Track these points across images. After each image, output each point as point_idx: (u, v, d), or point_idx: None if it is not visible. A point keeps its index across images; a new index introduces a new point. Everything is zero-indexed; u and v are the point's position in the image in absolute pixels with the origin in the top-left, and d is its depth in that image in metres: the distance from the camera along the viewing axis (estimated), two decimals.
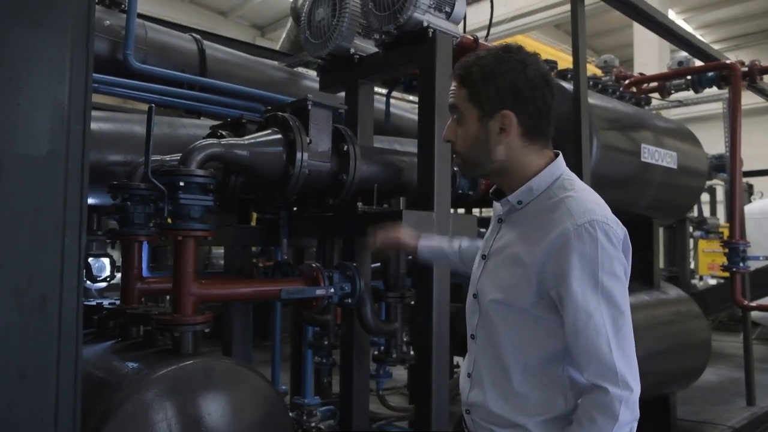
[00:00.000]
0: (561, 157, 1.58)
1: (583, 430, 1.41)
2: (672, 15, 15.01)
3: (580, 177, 3.55)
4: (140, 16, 3.90)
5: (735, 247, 5.17)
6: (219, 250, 7.47)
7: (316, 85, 3.84)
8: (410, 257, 3.43)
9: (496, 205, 1.68)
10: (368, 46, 3.33)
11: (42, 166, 1.40)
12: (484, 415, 1.57)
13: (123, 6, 3.83)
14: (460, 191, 3.49)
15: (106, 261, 3.95)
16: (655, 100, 6.31)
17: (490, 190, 1.70)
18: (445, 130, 1.62)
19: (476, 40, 3.54)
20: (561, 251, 1.40)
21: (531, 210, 1.54)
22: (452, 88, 1.58)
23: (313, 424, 3.43)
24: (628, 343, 1.42)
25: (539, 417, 1.50)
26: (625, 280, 1.46)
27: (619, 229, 1.45)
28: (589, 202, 1.47)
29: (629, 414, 1.38)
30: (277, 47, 6.18)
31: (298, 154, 2.68)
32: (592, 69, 6.06)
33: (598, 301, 1.39)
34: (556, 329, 1.47)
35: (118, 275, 2.97)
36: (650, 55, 12.05)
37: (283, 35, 6.15)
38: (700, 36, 16.63)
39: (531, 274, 1.45)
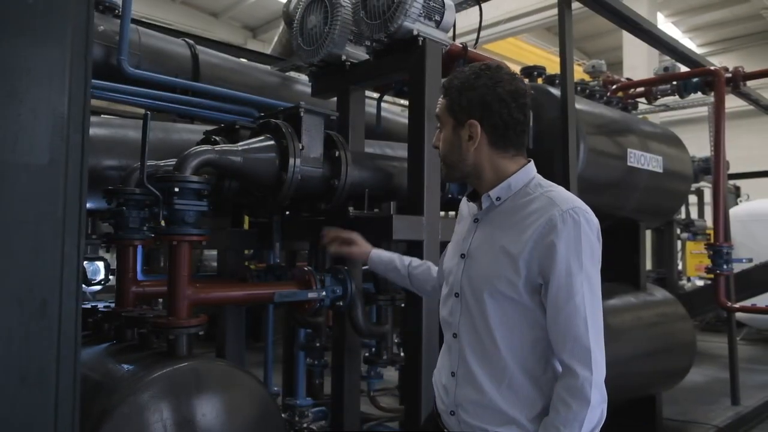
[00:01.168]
0: (533, 162, 1.72)
1: (560, 417, 1.49)
2: (661, 19, 15.15)
3: (567, 181, 3.65)
4: (134, 21, 3.93)
5: (719, 250, 5.26)
6: (212, 252, 7.50)
7: (308, 90, 3.89)
8: None
9: (465, 207, 1.85)
10: (360, 53, 3.39)
11: (42, 174, 1.43)
12: (479, 413, 1.60)
13: (117, 11, 3.87)
14: (449, 195, 3.55)
15: (100, 264, 3.98)
16: (643, 104, 6.39)
17: (466, 193, 1.82)
18: (434, 137, 1.78)
19: (465, 47, 3.60)
20: (548, 236, 1.51)
21: (509, 206, 1.65)
22: (439, 99, 1.75)
23: (305, 425, 3.47)
24: (600, 327, 1.53)
25: (532, 412, 1.57)
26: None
27: (595, 219, 1.58)
28: (568, 194, 1.62)
29: (599, 396, 1.48)
30: (269, 50, 6.21)
31: (291, 160, 2.73)
32: (580, 74, 6.14)
33: (580, 281, 1.50)
34: (538, 318, 1.57)
35: (113, 278, 3.01)
36: (639, 58, 12.16)
37: (275, 38, 6.18)
38: (689, 39, 16.83)
39: (519, 262, 1.54)
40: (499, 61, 1.80)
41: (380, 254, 2.29)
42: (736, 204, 10.85)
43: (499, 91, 1.62)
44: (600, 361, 1.49)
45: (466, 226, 1.78)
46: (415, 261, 2.23)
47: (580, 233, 1.52)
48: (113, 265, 2.99)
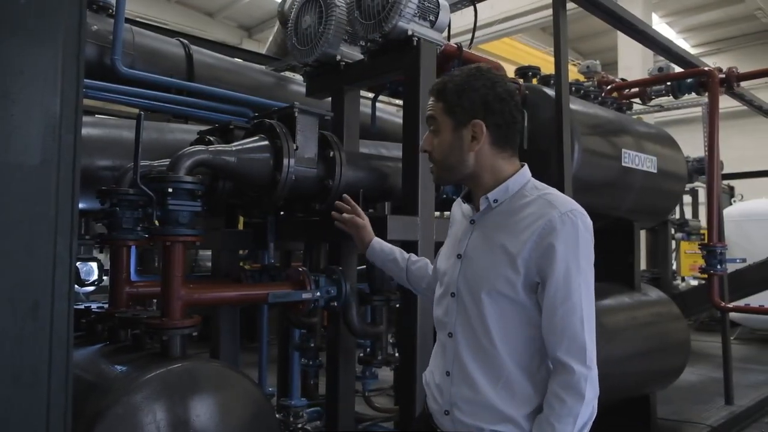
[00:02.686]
0: (527, 166, 1.74)
1: (554, 413, 1.51)
2: (655, 19, 15.19)
3: (562, 181, 3.66)
4: (128, 20, 3.92)
5: (713, 250, 5.27)
6: (206, 252, 7.48)
7: (303, 90, 3.89)
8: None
9: (458, 211, 1.87)
10: (354, 53, 3.39)
11: (34, 175, 1.43)
12: (474, 411, 1.61)
13: (111, 11, 3.85)
14: (444, 196, 3.56)
15: (94, 265, 3.97)
16: (638, 105, 6.41)
17: (461, 195, 1.83)
18: (423, 141, 1.76)
19: (460, 47, 3.60)
20: (547, 237, 1.54)
21: (506, 208, 1.67)
22: (430, 102, 1.74)
23: (299, 426, 3.47)
24: (593, 326, 1.57)
25: (527, 409, 1.58)
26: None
27: (590, 221, 1.61)
28: (565, 197, 1.65)
29: (592, 391, 1.52)
30: (264, 50, 6.21)
31: (285, 161, 2.73)
32: (575, 74, 6.16)
33: (578, 282, 1.54)
34: (533, 317, 1.59)
35: (106, 278, 3.00)
36: (634, 59, 12.19)
37: (270, 38, 6.18)
38: (683, 40, 16.89)
39: (518, 261, 1.57)
40: (489, 61, 1.80)
41: (381, 244, 2.25)
42: (730, 204, 10.90)
43: (498, 91, 1.66)
44: (594, 359, 1.54)
45: (461, 227, 1.79)
46: (414, 256, 2.22)
47: (578, 235, 1.55)
48: (107, 266, 2.98)
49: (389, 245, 2.26)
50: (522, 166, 1.73)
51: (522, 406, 1.58)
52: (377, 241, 2.25)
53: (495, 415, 1.58)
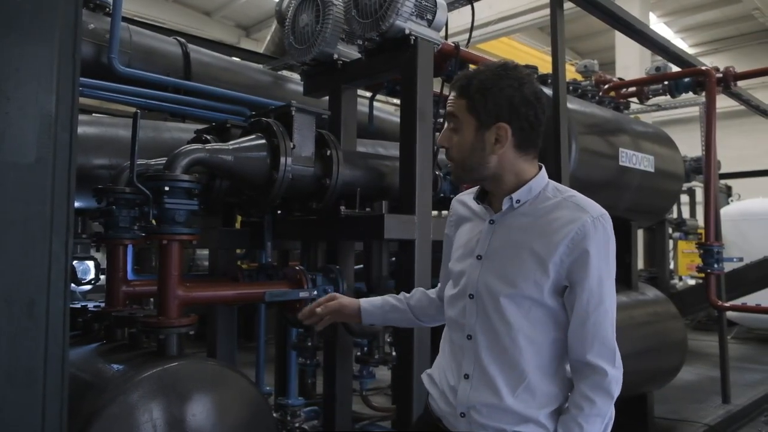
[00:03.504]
0: (544, 167, 1.71)
1: (583, 413, 1.52)
2: (653, 19, 15.20)
3: (560, 181, 3.65)
4: (125, 19, 3.91)
5: (710, 249, 5.28)
6: (203, 251, 7.48)
7: (301, 89, 3.89)
8: (393, 258, 3.50)
9: (461, 208, 1.83)
10: (352, 52, 3.38)
11: (30, 173, 1.42)
12: (494, 414, 1.58)
13: (108, 9, 3.84)
14: (441, 195, 3.55)
15: (90, 264, 3.96)
16: (635, 104, 6.41)
17: (474, 196, 1.77)
18: (440, 137, 1.68)
19: (457, 46, 3.60)
20: (581, 242, 1.53)
21: (528, 209, 1.63)
22: (451, 97, 1.65)
23: (297, 425, 3.47)
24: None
25: (549, 408, 1.58)
26: None
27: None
28: (590, 200, 1.63)
29: (618, 391, 1.55)
30: (262, 49, 6.20)
31: (282, 159, 2.72)
32: (572, 73, 6.16)
33: (608, 286, 1.56)
34: (560, 319, 1.59)
35: (103, 277, 3.00)
36: (632, 58, 12.20)
37: (268, 37, 6.17)
38: (681, 39, 16.90)
39: (548, 265, 1.55)
40: (508, 59, 1.75)
41: (370, 302, 2.03)
42: (728, 203, 10.91)
43: (525, 92, 1.59)
44: (620, 358, 1.58)
45: (477, 227, 1.73)
46: (405, 294, 2.05)
47: (608, 240, 1.56)
48: (104, 265, 2.97)
49: (377, 298, 2.05)
50: (540, 167, 1.69)
51: (544, 406, 1.58)
52: (365, 301, 2.03)
53: (516, 417, 1.57)
